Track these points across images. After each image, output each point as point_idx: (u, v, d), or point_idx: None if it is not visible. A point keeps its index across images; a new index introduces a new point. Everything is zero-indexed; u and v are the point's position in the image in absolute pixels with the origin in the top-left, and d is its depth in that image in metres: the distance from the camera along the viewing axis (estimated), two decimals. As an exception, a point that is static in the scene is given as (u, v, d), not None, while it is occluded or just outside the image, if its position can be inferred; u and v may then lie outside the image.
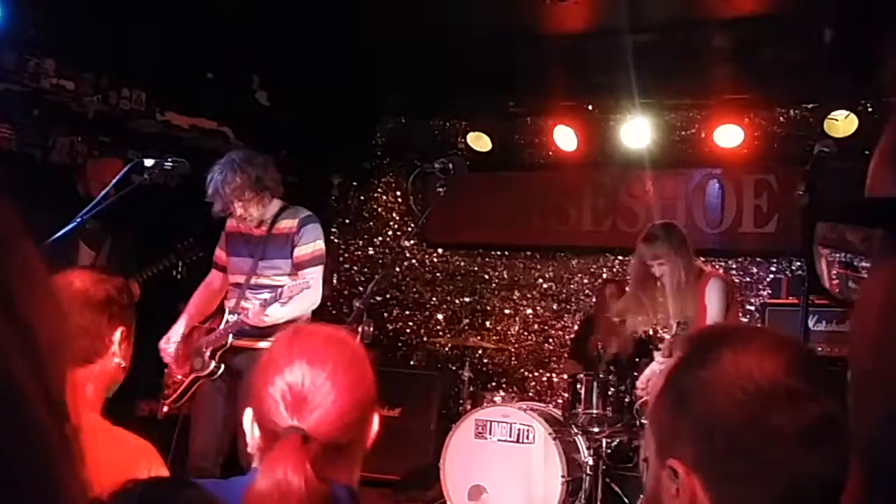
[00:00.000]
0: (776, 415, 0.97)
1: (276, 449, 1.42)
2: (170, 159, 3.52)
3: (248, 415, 1.54)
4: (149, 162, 3.44)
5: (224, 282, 4.53)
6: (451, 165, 3.62)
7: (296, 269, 4.27)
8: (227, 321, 4.30)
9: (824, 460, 0.97)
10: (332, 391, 1.48)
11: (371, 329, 3.63)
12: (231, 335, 4.21)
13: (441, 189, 3.68)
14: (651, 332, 5.02)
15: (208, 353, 4.25)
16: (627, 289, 5.17)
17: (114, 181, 3.39)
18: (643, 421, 5.38)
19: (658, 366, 4.99)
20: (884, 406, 0.42)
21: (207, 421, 4.29)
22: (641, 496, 5.15)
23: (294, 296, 4.05)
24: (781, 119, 6.70)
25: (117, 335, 2.07)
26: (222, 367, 4.23)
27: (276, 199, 4.38)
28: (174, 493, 1.06)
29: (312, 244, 4.30)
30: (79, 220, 3.09)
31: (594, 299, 6.90)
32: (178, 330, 4.37)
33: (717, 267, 6.05)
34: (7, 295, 0.39)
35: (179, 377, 4.35)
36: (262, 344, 4.09)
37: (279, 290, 4.08)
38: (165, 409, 4.33)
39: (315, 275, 4.25)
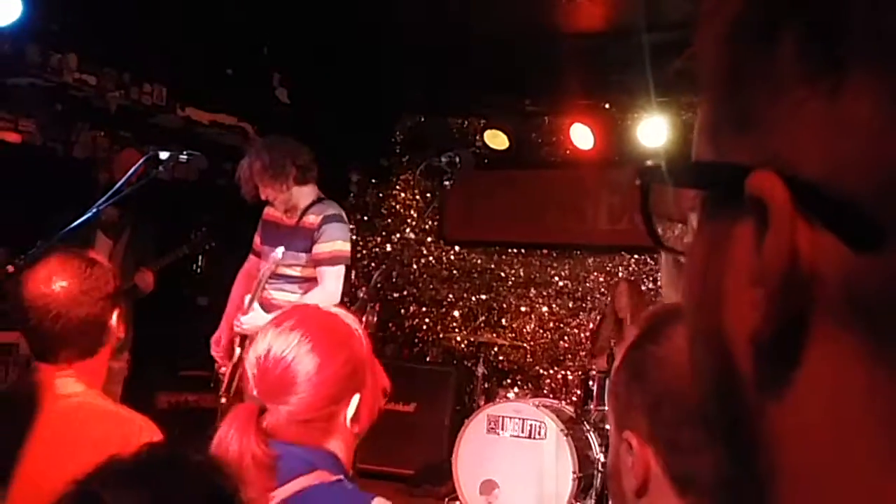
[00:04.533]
0: None
1: (231, 413, 1.47)
2: (185, 153, 3.58)
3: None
4: (164, 155, 3.50)
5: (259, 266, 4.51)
6: (457, 159, 3.64)
7: (314, 264, 4.23)
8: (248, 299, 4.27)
9: None
10: (297, 365, 1.51)
11: (374, 319, 3.65)
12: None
13: (448, 183, 3.70)
14: None
15: (237, 342, 4.24)
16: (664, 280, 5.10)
17: (129, 173, 3.46)
18: None
19: None
20: (701, 363, 0.46)
21: None
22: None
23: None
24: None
25: (114, 317, 2.12)
26: (238, 352, 4.20)
27: (309, 188, 4.31)
28: (191, 454, 1.12)
29: (331, 243, 4.22)
30: (94, 210, 3.16)
31: (609, 298, 6.92)
32: (223, 322, 4.39)
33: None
34: None
35: (223, 370, 4.33)
36: None
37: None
38: (223, 400, 4.29)
39: (329, 274, 4.19)
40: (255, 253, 4.58)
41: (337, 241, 4.23)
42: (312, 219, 4.24)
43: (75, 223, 3.17)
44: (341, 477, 1.51)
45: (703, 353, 0.45)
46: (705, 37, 0.46)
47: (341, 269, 4.24)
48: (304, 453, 1.49)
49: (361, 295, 3.87)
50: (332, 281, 4.20)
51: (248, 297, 4.22)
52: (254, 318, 4.12)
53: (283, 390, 1.50)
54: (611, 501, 1.18)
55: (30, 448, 1.80)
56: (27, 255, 2.86)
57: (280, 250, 4.19)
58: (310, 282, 4.26)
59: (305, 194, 4.31)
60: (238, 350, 4.22)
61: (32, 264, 2.60)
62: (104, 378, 2.12)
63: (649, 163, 0.47)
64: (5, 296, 2.28)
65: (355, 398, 1.58)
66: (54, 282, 2.00)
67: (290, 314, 1.62)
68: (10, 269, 3.00)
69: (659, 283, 7.16)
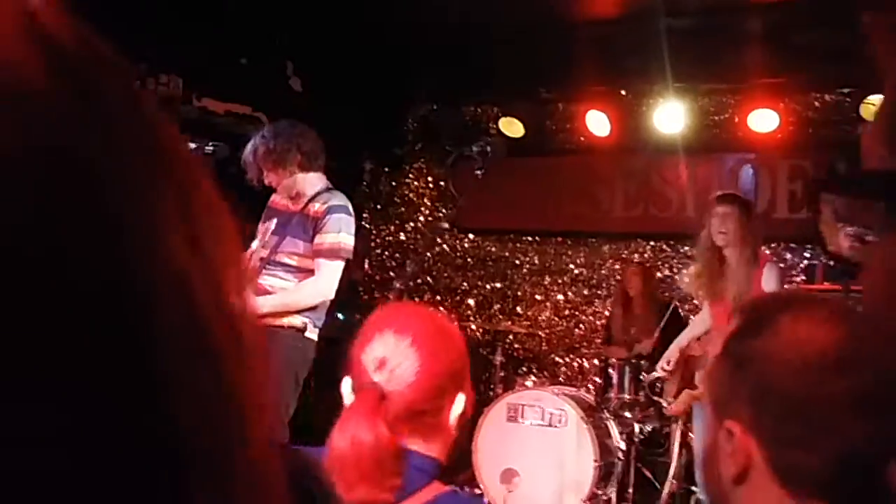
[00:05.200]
0: (833, 383, 1.01)
1: (353, 405, 1.48)
2: (210, 143, 3.56)
3: (346, 383, 1.62)
4: (190, 146, 3.47)
5: None
6: (488, 148, 3.63)
7: (314, 255, 4.11)
8: None
9: (880, 428, 1.00)
10: (413, 356, 1.54)
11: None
12: None
13: (479, 171, 3.68)
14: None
15: None
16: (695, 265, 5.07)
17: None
18: (656, 398, 5.41)
19: (677, 346, 5.01)
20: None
21: None
22: (672, 480, 5.20)
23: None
24: (817, 104, 6.65)
25: None
26: None
27: (315, 176, 4.21)
28: (286, 455, 1.09)
29: (334, 234, 4.09)
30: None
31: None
32: None
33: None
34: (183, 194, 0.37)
35: None
36: (285, 320, 4.05)
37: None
38: None
39: (327, 267, 4.08)
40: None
41: (340, 232, 4.11)
42: (317, 207, 4.13)
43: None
44: (454, 487, 1.57)
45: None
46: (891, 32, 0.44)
47: (340, 265, 4.12)
48: (421, 462, 1.52)
49: (398, 285, 3.85)
50: (328, 275, 4.09)
51: None
52: None
53: (400, 378, 1.54)
54: (702, 485, 1.20)
55: None
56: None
57: (273, 222, 4.15)
58: (306, 272, 4.15)
59: (311, 182, 4.20)
60: None
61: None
62: None
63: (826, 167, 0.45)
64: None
65: (461, 397, 1.61)
66: None
67: (401, 312, 1.68)
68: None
69: (674, 270, 7.15)
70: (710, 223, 4.66)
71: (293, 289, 4.13)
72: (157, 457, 0.32)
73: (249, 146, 4.13)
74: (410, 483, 1.48)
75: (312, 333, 4.14)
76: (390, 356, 1.54)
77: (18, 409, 0.29)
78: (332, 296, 4.13)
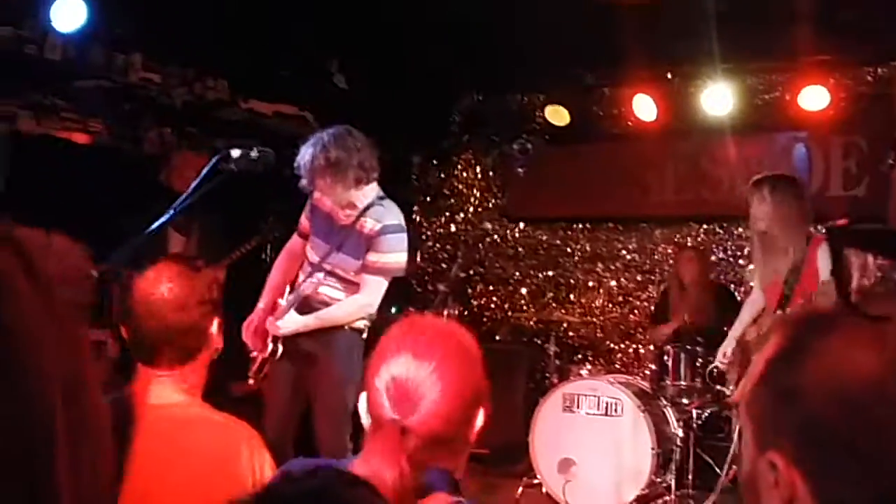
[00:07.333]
0: (885, 413, 0.93)
1: (375, 440, 1.48)
2: (255, 149, 3.57)
3: (362, 400, 1.61)
4: (235, 153, 3.49)
5: (304, 249, 4.41)
6: (529, 145, 3.61)
7: (363, 270, 4.14)
8: (287, 301, 4.21)
9: None
10: (435, 386, 1.51)
11: (455, 312, 3.64)
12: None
13: (521, 169, 3.66)
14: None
15: (271, 335, 4.19)
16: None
17: (203, 173, 3.47)
18: (720, 387, 5.34)
19: (732, 337, 4.94)
20: None
21: (274, 407, 4.25)
22: (734, 467, 5.13)
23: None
24: (869, 78, 6.49)
25: (214, 326, 2.15)
26: (280, 349, 4.16)
27: (370, 187, 4.17)
28: (349, 488, 1.09)
29: (387, 255, 4.11)
30: (171, 213, 3.19)
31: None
32: (258, 306, 4.32)
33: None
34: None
35: (254, 354, 4.25)
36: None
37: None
38: (251, 381, 4.24)
39: (375, 283, 4.13)
40: (301, 234, 4.46)
41: (393, 252, 4.13)
42: (371, 224, 4.12)
43: (156, 224, 3.21)
44: (460, 498, 1.52)
45: None
46: None
47: (385, 282, 4.18)
48: (437, 478, 1.51)
49: (442, 288, 3.85)
50: (375, 291, 4.15)
51: (284, 301, 4.20)
52: (289, 322, 4.14)
53: (423, 411, 1.51)
54: None
55: (133, 463, 1.82)
56: (112, 258, 2.91)
57: (323, 227, 4.18)
58: (358, 286, 4.20)
59: (364, 193, 4.18)
60: (271, 344, 4.19)
61: (118, 267, 2.66)
62: (203, 385, 2.15)
63: (840, 224, 0.44)
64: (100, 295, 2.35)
65: (480, 414, 1.60)
66: (160, 285, 2.07)
67: (423, 333, 1.60)
68: (95, 272, 3.05)
69: (728, 252, 7.07)
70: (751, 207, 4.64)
71: (339, 305, 4.19)
72: None
73: (306, 154, 4.09)
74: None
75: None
76: (410, 385, 1.51)
77: None
78: (374, 310, 4.20)
